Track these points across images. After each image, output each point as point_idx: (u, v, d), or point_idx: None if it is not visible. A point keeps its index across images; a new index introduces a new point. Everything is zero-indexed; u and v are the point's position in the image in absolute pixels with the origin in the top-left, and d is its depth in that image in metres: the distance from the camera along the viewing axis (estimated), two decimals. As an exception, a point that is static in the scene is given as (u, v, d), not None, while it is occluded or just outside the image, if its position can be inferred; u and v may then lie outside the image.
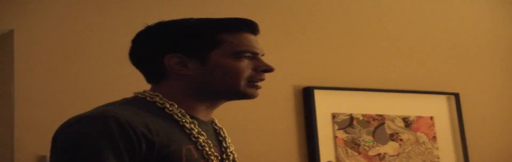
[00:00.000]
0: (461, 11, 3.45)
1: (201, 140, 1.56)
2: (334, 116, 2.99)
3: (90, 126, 1.45)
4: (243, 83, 1.60)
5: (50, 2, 2.70)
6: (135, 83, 2.68)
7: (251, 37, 1.64)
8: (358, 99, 3.05)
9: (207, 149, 1.56)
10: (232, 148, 1.67)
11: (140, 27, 1.67)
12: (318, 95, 2.97)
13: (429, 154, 3.12)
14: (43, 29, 2.66)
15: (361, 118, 3.04)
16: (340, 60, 3.10)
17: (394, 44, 3.24)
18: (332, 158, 2.93)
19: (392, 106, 3.11)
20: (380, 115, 3.08)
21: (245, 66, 1.60)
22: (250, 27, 1.65)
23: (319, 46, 3.09)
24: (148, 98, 1.58)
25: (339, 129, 2.98)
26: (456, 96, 3.23)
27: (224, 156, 1.64)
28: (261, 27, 1.67)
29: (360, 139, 3.01)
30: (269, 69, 1.63)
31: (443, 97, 3.23)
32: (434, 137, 3.15)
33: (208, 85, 1.59)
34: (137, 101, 1.58)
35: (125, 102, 1.58)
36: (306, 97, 2.96)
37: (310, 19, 3.11)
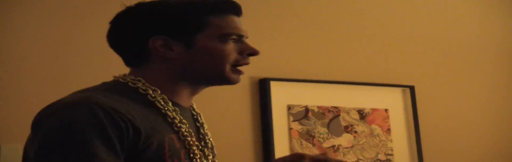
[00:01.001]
0: (417, 4, 3.47)
1: (183, 130, 1.52)
2: (289, 107, 2.99)
3: (76, 113, 1.37)
4: (228, 67, 1.56)
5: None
6: (86, 71, 2.67)
7: (236, 19, 1.60)
8: (313, 91, 3.06)
9: (189, 138, 1.52)
10: (209, 135, 1.63)
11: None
12: (274, 87, 2.97)
13: (383, 146, 3.14)
14: None
15: (316, 110, 3.04)
16: (296, 52, 3.10)
17: (350, 37, 3.24)
18: (287, 149, 2.93)
19: (347, 98, 3.12)
20: (335, 107, 3.09)
21: (231, 49, 1.57)
22: (235, 8, 1.61)
23: (275, 38, 3.08)
24: (130, 83, 1.53)
25: (294, 120, 2.99)
26: (411, 88, 3.25)
27: (202, 143, 1.60)
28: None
29: (315, 131, 3.02)
30: (255, 52, 1.60)
31: (398, 89, 3.25)
32: (389, 130, 3.17)
33: (192, 68, 1.55)
34: (118, 87, 1.52)
35: (106, 87, 1.52)
36: (262, 88, 2.95)
37: (267, 10, 3.10)
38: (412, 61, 3.34)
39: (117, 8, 1.60)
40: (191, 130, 1.54)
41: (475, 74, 3.46)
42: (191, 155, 1.51)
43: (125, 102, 1.45)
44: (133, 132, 1.39)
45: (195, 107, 1.66)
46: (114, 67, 1.75)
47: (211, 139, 1.63)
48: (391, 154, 3.14)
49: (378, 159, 3.11)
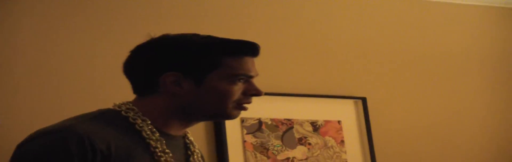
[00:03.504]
0: (368, 17, 3.50)
1: (162, 159, 1.55)
2: (242, 120, 2.99)
3: (47, 142, 1.46)
4: (231, 105, 1.61)
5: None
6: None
7: (250, 60, 1.65)
8: (266, 104, 3.06)
9: None
10: None
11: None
12: (227, 100, 2.97)
13: (337, 158, 3.15)
14: None
15: (269, 122, 3.05)
16: (249, 65, 3.10)
17: (301, 49, 3.26)
18: (241, 162, 2.93)
19: (300, 111, 3.13)
20: (289, 120, 3.10)
21: (238, 89, 1.61)
22: (252, 50, 1.66)
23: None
24: (123, 112, 1.58)
25: (247, 133, 2.99)
26: (363, 100, 3.28)
27: None
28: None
29: (269, 143, 3.02)
30: (259, 94, 1.66)
31: (351, 101, 3.27)
32: (342, 141, 3.19)
33: (195, 106, 1.59)
34: (109, 115, 1.58)
35: (96, 115, 1.58)
36: (215, 101, 2.95)
37: (218, 23, 3.10)
38: (363, 73, 3.37)
39: (140, 36, 1.65)
40: (172, 160, 1.57)
41: (425, 85, 3.50)
42: None
43: (109, 131, 1.52)
44: (102, 160, 1.46)
45: (189, 135, 1.70)
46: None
47: None
48: (345, 166, 3.16)
49: (333, 171, 3.13)
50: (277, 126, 3.06)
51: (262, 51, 3.15)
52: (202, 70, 1.59)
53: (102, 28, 2.84)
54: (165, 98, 1.59)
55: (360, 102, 3.27)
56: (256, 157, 2.97)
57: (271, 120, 3.06)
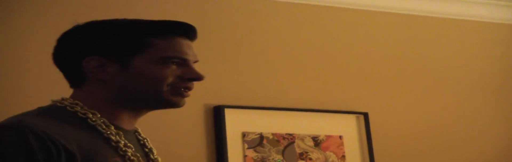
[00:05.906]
0: (366, 30, 3.50)
1: (129, 154, 1.45)
2: (244, 135, 2.98)
3: (5, 138, 1.33)
4: (165, 89, 1.48)
5: None
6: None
7: (184, 41, 1.53)
8: (268, 118, 3.06)
9: None
10: (160, 161, 1.57)
11: None
12: (229, 114, 2.97)
13: (338, 173, 3.14)
14: None
15: (271, 137, 3.04)
16: (250, 79, 3.10)
17: (303, 64, 3.26)
18: (242, 177, 2.92)
19: (301, 125, 3.12)
20: (290, 134, 3.09)
21: (170, 72, 1.49)
22: (185, 31, 1.54)
23: (230, 65, 3.08)
24: (68, 107, 1.47)
25: (249, 148, 2.98)
26: (365, 115, 3.27)
27: None
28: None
29: (270, 158, 3.01)
30: (197, 77, 1.52)
31: (352, 116, 3.26)
32: (343, 156, 3.18)
33: (128, 91, 1.49)
34: (55, 111, 1.46)
35: (41, 111, 1.46)
36: (216, 115, 2.95)
37: (222, 37, 3.10)
38: (366, 88, 3.37)
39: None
40: (138, 154, 1.48)
41: (427, 101, 3.49)
42: None
43: (63, 126, 1.40)
44: (66, 157, 1.34)
45: (140, 131, 1.60)
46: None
47: None
48: (346, 181, 3.14)
49: (333, 186, 3.11)
50: (278, 141, 3.05)
51: (265, 65, 3.17)
52: (126, 52, 1.48)
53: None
54: (98, 86, 1.49)
55: (362, 117, 3.26)
56: (256, 171, 2.96)
57: (273, 134, 3.05)
